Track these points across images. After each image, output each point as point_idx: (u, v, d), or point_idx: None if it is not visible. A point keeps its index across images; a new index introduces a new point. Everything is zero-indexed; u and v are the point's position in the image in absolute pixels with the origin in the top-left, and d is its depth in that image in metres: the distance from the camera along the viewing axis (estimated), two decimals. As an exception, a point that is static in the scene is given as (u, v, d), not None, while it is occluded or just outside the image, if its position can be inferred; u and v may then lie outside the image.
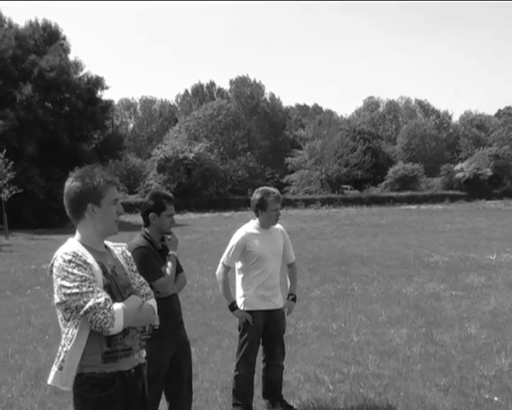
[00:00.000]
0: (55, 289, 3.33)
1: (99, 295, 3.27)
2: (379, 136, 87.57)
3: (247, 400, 6.15)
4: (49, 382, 3.36)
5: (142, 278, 3.71)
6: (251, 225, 6.24)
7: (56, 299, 3.34)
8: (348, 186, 67.05)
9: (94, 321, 3.24)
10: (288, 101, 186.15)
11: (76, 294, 3.23)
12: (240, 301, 6.17)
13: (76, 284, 3.23)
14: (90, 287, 3.26)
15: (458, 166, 68.39)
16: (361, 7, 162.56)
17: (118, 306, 3.34)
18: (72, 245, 3.40)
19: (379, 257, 18.25)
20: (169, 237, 5.14)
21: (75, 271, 3.26)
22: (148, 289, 3.69)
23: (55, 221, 36.18)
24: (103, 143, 47.09)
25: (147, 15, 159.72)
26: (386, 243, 22.68)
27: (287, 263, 6.56)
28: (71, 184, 3.47)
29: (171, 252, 5.09)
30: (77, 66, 46.15)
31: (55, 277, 3.31)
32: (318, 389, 6.76)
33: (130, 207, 48.31)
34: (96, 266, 3.38)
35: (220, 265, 6.24)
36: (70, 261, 3.28)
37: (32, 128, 39.33)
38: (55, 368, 3.34)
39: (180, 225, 34.26)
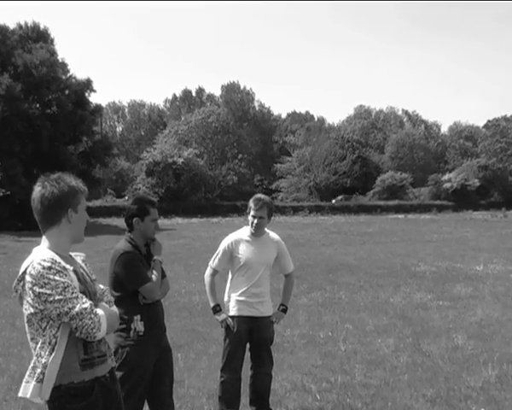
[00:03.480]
0: (29, 299, 3.24)
1: (83, 300, 3.26)
2: (368, 144, 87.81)
3: (233, 407, 6.10)
4: (28, 396, 3.25)
5: (102, 286, 3.70)
6: (243, 232, 6.23)
7: (29, 309, 3.26)
8: (341, 196, 66.44)
9: (80, 327, 3.21)
10: (278, 107, 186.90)
11: (59, 300, 3.17)
12: (225, 306, 6.19)
13: (58, 290, 3.18)
14: (73, 293, 3.23)
15: (446, 177, 68.61)
16: (353, 15, 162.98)
17: (100, 311, 3.34)
18: (46, 252, 3.32)
19: (366, 266, 18.25)
20: (153, 242, 5.10)
21: (56, 277, 3.20)
22: (110, 296, 3.70)
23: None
24: (91, 148, 46.46)
25: (136, 18, 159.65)
26: (373, 251, 22.70)
27: (283, 273, 6.53)
28: (49, 188, 3.37)
29: (155, 257, 5.06)
30: (64, 67, 45.48)
31: (30, 285, 3.21)
32: (305, 398, 6.73)
33: (117, 211, 48.24)
34: (72, 273, 3.35)
35: (208, 267, 6.31)
36: (50, 268, 3.21)
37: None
38: (31, 381, 3.25)
39: (168, 230, 34.16)
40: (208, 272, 6.29)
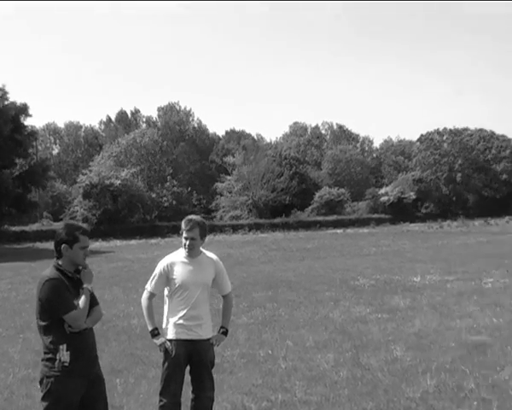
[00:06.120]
0: None
1: None
2: (306, 161, 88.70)
3: (173, 431, 5.99)
4: None
5: None
6: (179, 253, 6.15)
7: None
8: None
9: None
10: (214, 126, 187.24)
11: None
12: (164, 329, 6.09)
13: None
14: None
15: (383, 190, 69.88)
16: (285, 27, 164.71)
17: None
18: None
19: (306, 282, 18.32)
20: (84, 270, 4.99)
21: None
22: None
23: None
24: (27, 172, 45.75)
25: (70, 39, 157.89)
26: (312, 267, 22.82)
27: (221, 294, 6.41)
28: None
29: (84, 285, 4.93)
30: (3, 94, 44.74)
31: None
32: (246, 418, 6.67)
33: (54, 235, 47.39)
34: None
35: (145, 290, 6.22)
36: None
37: None
38: None
39: (106, 253, 33.71)
40: (145, 295, 6.18)
